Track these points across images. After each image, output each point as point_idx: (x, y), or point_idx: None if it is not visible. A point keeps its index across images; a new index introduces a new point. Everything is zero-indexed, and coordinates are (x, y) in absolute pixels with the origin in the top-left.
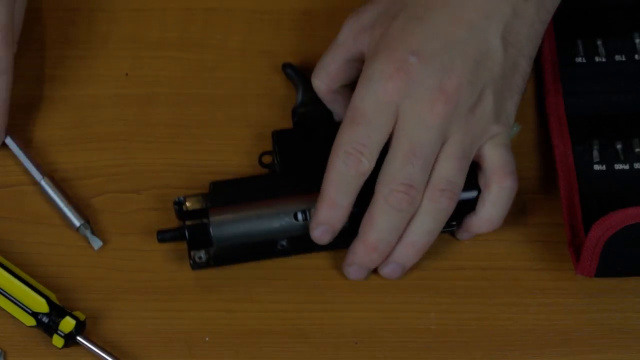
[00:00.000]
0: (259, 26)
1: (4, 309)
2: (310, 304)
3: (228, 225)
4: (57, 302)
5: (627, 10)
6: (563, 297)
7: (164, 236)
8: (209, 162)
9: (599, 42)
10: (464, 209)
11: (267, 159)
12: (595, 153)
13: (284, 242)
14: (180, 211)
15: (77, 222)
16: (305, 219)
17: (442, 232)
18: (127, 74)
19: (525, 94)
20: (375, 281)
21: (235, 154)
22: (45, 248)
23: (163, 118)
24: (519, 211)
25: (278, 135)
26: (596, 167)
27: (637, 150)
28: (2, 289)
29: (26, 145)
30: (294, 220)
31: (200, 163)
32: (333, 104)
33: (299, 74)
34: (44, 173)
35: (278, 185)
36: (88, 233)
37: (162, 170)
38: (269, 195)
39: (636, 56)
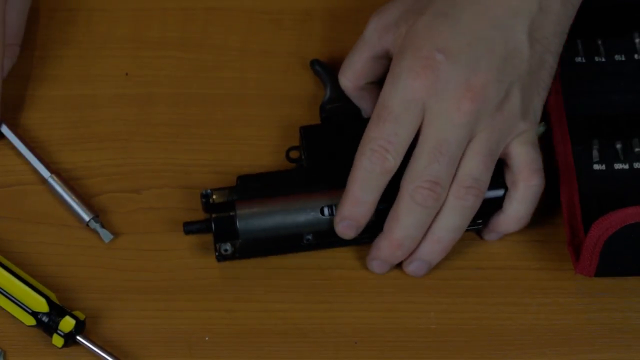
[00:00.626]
0: (259, 26)
1: (3, 309)
2: (310, 304)
3: (254, 218)
4: (57, 302)
5: (626, 10)
6: (563, 296)
7: (190, 228)
8: (209, 162)
9: (599, 42)
10: (491, 207)
11: (294, 154)
12: (595, 153)
13: (309, 237)
14: (207, 204)
15: (86, 217)
16: (331, 214)
17: (468, 230)
18: (127, 74)
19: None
20: (375, 281)
21: (235, 153)
22: (45, 247)
23: (163, 118)
24: None
25: (306, 131)
26: (596, 166)
27: (636, 150)
28: (2, 289)
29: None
30: (320, 215)
31: (200, 163)
32: (360, 101)
33: (327, 70)
34: (51, 170)
35: (305, 180)
36: (98, 227)
37: (162, 170)
38: (295, 189)
39: (636, 56)
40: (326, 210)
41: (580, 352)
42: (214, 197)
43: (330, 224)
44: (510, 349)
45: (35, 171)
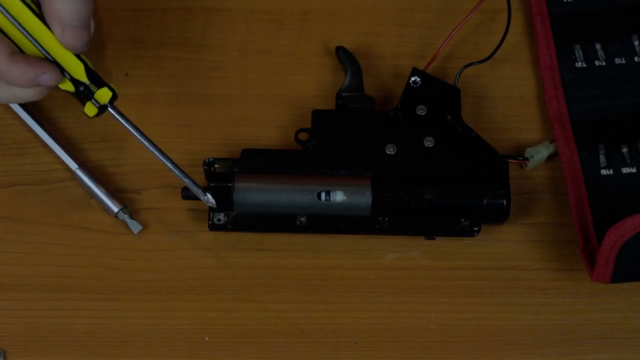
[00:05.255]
0: (259, 26)
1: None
2: (310, 304)
3: (251, 192)
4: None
5: (624, 12)
6: (563, 296)
7: (188, 194)
8: None
9: (598, 46)
10: (489, 215)
11: (303, 136)
12: (602, 158)
13: (303, 219)
14: (209, 172)
15: (115, 208)
16: (327, 199)
17: (462, 236)
18: (127, 74)
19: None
20: (375, 281)
21: (235, 153)
22: (45, 248)
23: (163, 118)
24: (518, 211)
25: (317, 114)
26: (603, 171)
27: None
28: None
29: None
30: (316, 199)
31: (200, 163)
32: None
33: (351, 58)
34: (78, 162)
35: (307, 163)
36: (127, 218)
37: (162, 170)
38: (296, 170)
39: (636, 58)
40: (323, 195)
41: (580, 352)
42: (215, 166)
43: (325, 208)
44: (510, 349)
45: (37, 170)
